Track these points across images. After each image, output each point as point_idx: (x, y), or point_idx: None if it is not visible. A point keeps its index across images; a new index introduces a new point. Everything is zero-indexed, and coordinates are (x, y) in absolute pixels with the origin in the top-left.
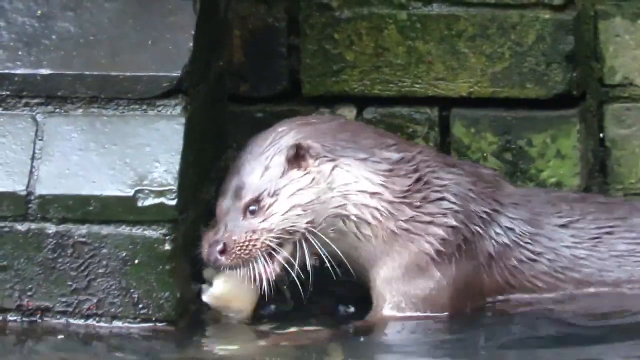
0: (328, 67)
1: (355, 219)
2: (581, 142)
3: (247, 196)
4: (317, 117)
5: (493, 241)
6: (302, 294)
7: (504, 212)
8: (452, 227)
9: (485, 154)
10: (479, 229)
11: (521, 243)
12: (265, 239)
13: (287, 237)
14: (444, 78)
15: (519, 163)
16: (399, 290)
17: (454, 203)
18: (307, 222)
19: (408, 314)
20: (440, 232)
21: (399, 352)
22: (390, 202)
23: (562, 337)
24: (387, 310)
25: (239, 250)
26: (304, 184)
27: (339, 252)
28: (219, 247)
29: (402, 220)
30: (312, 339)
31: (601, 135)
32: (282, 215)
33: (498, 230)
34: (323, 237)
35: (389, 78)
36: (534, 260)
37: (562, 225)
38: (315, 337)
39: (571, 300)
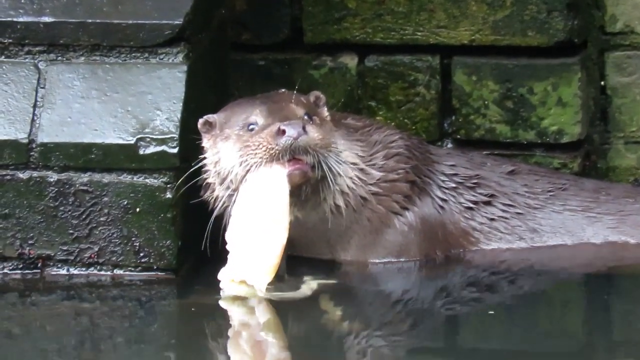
0: (330, 15)
1: (335, 189)
2: (582, 90)
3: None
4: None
5: (442, 187)
6: None
7: (442, 162)
8: (412, 181)
9: (486, 102)
10: (427, 179)
11: (469, 185)
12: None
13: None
14: (445, 26)
15: (520, 111)
16: (372, 253)
17: (408, 157)
18: None
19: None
20: (404, 188)
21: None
22: (362, 170)
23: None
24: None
25: (321, 140)
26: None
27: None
28: (300, 125)
29: (371, 184)
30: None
31: (602, 83)
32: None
33: (442, 177)
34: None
35: (391, 26)
36: (488, 203)
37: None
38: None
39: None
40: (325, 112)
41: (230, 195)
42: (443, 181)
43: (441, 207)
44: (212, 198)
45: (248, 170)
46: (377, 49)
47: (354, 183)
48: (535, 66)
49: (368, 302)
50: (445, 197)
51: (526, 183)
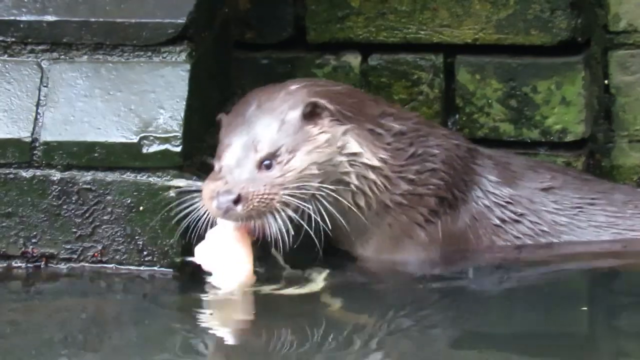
0: (333, 13)
1: (354, 188)
2: (586, 89)
3: (264, 150)
4: (324, 80)
5: (474, 203)
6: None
7: (484, 175)
8: (442, 197)
9: (490, 101)
10: (462, 194)
11: (502, 203)
12: (283, 194)
13: (299, 194)
14: (449, 25)
15: (524, 110)
16: (389, 259)
17: (445, 173)
18: (319, 182)
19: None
20: (431, 203)
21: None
22: (387, 177)
23: None
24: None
25: (258, 202)
26: (320, 143)
27: (327, 219)
28: (232, 196)
29: (397, 194)
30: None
31: (606, 82)
32: (300, 172)
33: (479, 193)
34: (323, 200)
35: (394, 25)
36: (516, 221)
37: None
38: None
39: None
40: (324, 122)
41: None
42: (478, 197)
43: (469, 224)
44: None
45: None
46: (381, 48)
47: (377, 188)
48: (539, 65)
49: (373, 298)
50: (476, 215)
51: (557, 199)
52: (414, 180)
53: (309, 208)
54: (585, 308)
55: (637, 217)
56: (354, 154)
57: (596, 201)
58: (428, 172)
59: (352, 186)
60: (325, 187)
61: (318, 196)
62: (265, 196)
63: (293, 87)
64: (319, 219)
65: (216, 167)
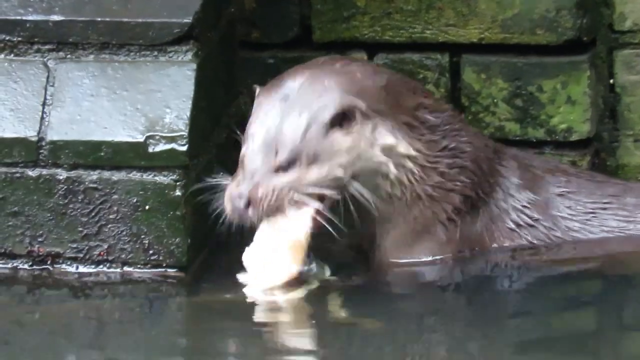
0: (339, 13)
1: (392, 177)
2: (591, 88)
3: (284, 155)
4: (359, 67)
5: (494, 206)
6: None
7: (508, 177)
8: (467, 195)
9: (495, 100)
10: (485, 195)
11: (519, 207)
12: (294, 196)
13: (319, 193)
14: (454, 24)
15: (529, 109)
16: (406, 253)
17: (472, 172)
18: (346, 175)
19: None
20: (456, 200)
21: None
22: (423, 167)
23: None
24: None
25: (267, 205)
26: (346, 146)
27: (354, 207)
28: (244, 200)
29: (428, 185)
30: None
31: (611, 81)
32: (318, 178)
33: (500, 195)
34: (354, 191)
35: (400, 24)
36: (532, 226)
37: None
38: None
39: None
40: (352, 126)
41: None
42: (498, 200)
43: (486, 227)
44: None
45: None
46: (386, 47)
47: (414, 177)
48: (544, 64)
49: (381, 301)
50: (494, 218)
51: (571, 205)
52: (445, 174)
53: (338, 197)
54: (600, 309)
55: None
56: (389, 146)
57: (608, 205)
58: (457, 168)
59: (392, 176)
60: (354, 182)
61: (349, 188)
62: (274, 199)
63: (326, 83)
64: (351, 206)
65: (241, 155)
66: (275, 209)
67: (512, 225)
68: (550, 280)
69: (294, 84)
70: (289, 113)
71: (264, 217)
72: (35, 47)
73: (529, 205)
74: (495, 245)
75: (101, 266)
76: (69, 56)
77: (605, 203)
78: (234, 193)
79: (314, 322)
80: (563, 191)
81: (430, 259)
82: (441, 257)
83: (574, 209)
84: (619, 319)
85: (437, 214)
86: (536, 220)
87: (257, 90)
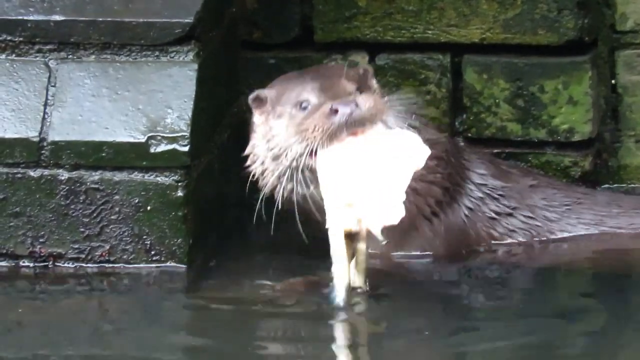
0: (340, 13)
1: None
2: (593, 89)
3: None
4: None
5: (469, 196)
6: None
7: (473, 169)
8: (446, 188)
9: (497, 100)
10: (459, 187)
11: (495, 196)
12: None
13: None
14: (456, 24)
15: (531, 109)
16: (396, 249)
17: (446, 162)
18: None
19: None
20: (438, 193)
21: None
22: None
23: None
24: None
25: (369, 109)
26: None
27: None
28: (352, 97)
29: (412, 179)
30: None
31: (613, 81)
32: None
33: (472, 186)
34: None
35: (401, 24)
36: (510, 215)
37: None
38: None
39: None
40: (374, 83)
41: (279, 176)
42: (471, 190)
43: (467, 216)
44: (259, 172)
45: (311, 151)
46: (388, 48)
47: None
48: (546, 65)
49: (379, 302)
50: (471, 207)
51: (545, 197)
52: (426, 165)
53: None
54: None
55: (622, 216)
56: None
57: (582, 200)
58: (435, 159)
59: None
60: None
61: None
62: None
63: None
64: None
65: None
66: (379, 112)
67: (492, 214)
68: (544, 276)
69: None
70: None
71: (367, 123)
72: (37, 47)
73: (504, 194)
74: (479, 236)
75: (103, 267)
76: (70, 56)
77: (578, 198)
78: (336, 102)
79: (313, 321)
80: (534, 183)
81: (420, 254)
82: (430, 252)
83: (549, 201)
84: (615, 317)
85: (421, 209)
86: (514, 208)
87: (252, 95)
